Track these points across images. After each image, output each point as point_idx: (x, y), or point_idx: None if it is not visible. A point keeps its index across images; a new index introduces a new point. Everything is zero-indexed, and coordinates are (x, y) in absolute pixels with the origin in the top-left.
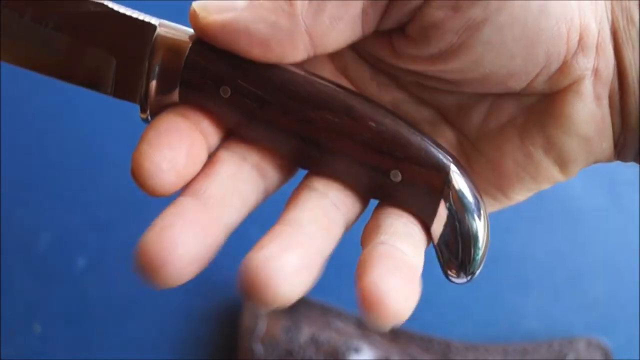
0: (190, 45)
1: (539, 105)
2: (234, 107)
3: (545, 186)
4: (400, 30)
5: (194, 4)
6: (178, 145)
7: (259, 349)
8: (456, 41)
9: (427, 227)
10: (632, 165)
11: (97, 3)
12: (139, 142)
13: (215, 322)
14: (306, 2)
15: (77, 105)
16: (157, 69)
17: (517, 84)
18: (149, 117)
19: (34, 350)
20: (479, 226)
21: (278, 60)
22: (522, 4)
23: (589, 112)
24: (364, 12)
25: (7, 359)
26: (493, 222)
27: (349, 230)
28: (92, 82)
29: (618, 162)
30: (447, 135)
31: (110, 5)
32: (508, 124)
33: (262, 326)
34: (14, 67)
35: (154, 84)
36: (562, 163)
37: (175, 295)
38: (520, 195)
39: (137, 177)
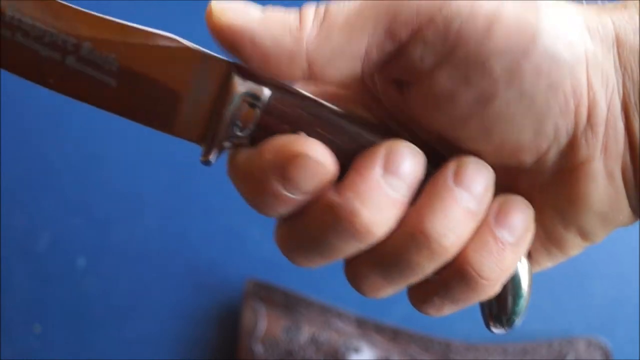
0: (268, 90)
1: (553, 184)
2: None
3: (574, 253)
4: (411, 89)
5: (213, 2)
6: None
7: (258, 349)
8: (466, 111)
9: None
10: None
11: (169, 37)
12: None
13: (215, 322)
14: (316, 28)
15: (77, 105)
16: (230, 111)
17: (529, 157)
18: (212, 160)
19: (33, 350)
20: (522, 272)
21: (274, 74)
22: (531, 80)
23: (602, 191)
24: (367, 52)
25: (7, 359)
26: None
27: None
28: (150, 119)
29: None
30: None
31: (183, 41)
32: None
33: (262, 326)
34: None
35: (225, 126)
36: (584, 235)
37: (175, 295)
38: (550, 263)
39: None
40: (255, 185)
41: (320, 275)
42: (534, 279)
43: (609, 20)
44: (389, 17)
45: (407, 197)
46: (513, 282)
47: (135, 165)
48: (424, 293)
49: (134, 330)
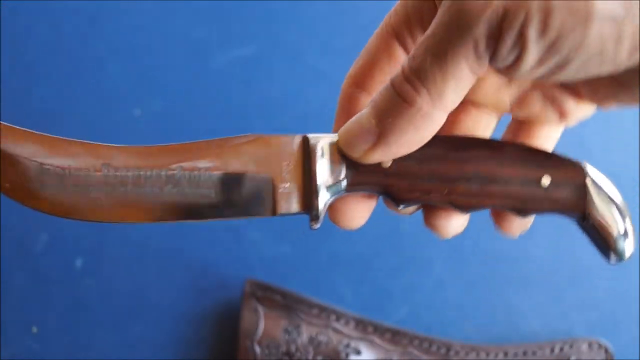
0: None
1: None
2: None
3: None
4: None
5: (339, 142)
6: None
7: (258, 350)
8: (546, 74)
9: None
10: (631, 165)
11: (250, 135)
12: None
13: (215, 323)
14: (414, 67)
15: (77, 105)
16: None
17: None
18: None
19: (31, 351)
20: (620, 199)
21: (427, 132)
22: (596, 46)
23: None
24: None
25: None
26: (491, 222)
27: None
28: (251, 209)
29: (617, 164)
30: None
31: (257, 134)
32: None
33: (261, 327)
34: (14, 66)
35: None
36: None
37: (174, 295)
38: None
39: None
40: None
41: (320, 276)
42: (535, 279)
43: None
44: (471, 38)
45: None
46: (617, 199)
47: None
48: None
49: (132, 330)
